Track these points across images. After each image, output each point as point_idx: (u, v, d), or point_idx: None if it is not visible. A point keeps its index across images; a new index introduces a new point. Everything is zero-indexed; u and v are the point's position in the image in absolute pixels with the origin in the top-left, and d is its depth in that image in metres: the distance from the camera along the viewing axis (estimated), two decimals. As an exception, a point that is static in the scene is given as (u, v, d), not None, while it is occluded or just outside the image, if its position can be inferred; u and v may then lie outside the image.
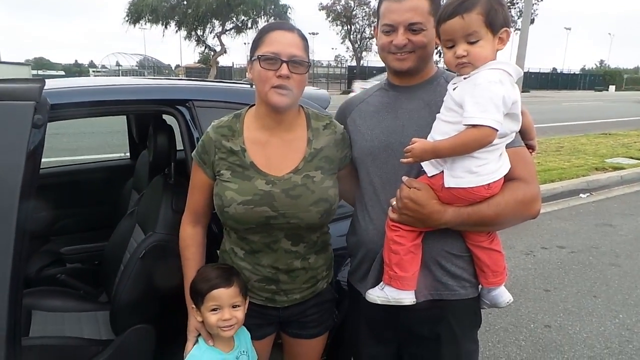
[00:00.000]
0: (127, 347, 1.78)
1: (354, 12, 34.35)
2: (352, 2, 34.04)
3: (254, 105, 1.49)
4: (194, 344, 1.47)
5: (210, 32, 30.69)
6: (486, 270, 1.36)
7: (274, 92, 1.34)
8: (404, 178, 1.32)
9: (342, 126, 1.55)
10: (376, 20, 1.47)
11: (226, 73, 43.21)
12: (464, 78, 1.24)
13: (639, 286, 3.71)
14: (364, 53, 36.94)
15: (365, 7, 33.57)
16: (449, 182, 1.24)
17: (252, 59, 1.39)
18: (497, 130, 1.16)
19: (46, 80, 1.49)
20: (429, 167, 1.29)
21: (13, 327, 1.26)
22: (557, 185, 6.34)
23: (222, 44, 30.72)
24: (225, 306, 1.38)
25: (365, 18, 33.96)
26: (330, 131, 1.51)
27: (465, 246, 1.37)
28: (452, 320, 1.41)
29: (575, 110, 20.17)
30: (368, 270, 1.47)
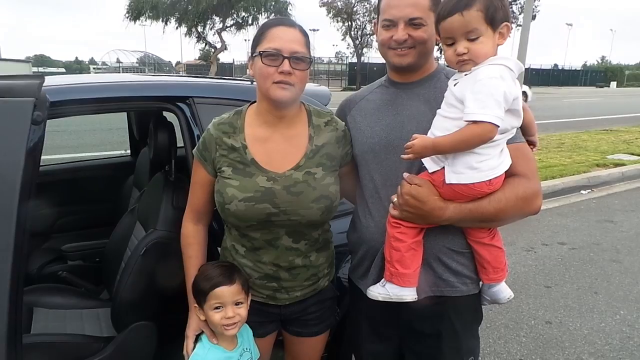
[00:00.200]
0: (129, 344, 1.78)
1: (354, 9, 34.22)
2: (353, -1, 33.97)
3: (255, 102, 1.48)
4: (195, 343, 1.47)
5: (211, 29, 30.69)
6: (487, 266, 1.36)
7: (276, 87, 1.34)
8: (405, 174, 1.32)
9: (344, 123, 1.54)
10: (376, 16, 1.46)
11: (227, 70, 43.19)
12: (465, 74, 1.23)
13: (639, 282, 3.71)
14: (364, 50, 36.84)
15: (366, 3, 33.45)
16: (450, 178, 1.24)
17: (254, 55, 1.38)
18: (497, 127, 1.16)
19: (46, 77, 1.49)
20: (430, 164, 1.29)
21: (14, 325, 1.26)
22: (558, 182, 6.33)
23: (222, 41, 30.68)
24: (228, 304, 1.38)
25: (366, 14, 33.82)
26: (331, 128, 1.50)
27: (466, 242, 1.37)
28: (453, 316, 1.41)
29: (577, 107, 20.13)
30: (369, 268, 1.47)
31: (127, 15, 29.31)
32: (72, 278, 2.48)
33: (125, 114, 3.18)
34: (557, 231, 4.83)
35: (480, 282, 1.42)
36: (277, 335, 1.64)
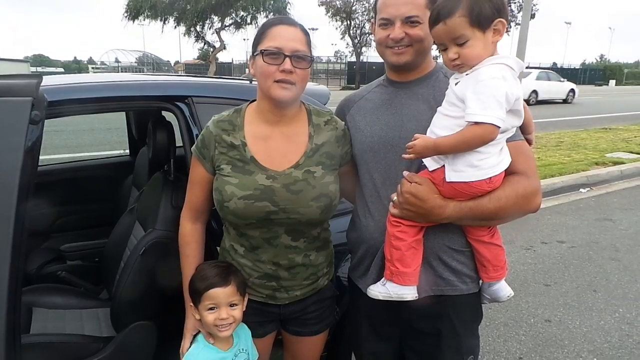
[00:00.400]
0: (128, 343, 1.78)
1: (353, 8, 34.20)
2: (352, -3, 33.94)
3: (255, 100, 1.48)
4: (192, 342, 1.46)
5: (210, 28, 30.60)
6: (487, 264, 1.36)
7: (276, 86, 1.34)
8: (405, 173, 1.32)
9: (343, 123, 1.54)
10: (374, 15, 1.46)
11: (225, 69, 43.14)
12: (466, 73, 1.23)
13: (638, 280, 3.71)
14: (363, 49, 36.78)
15: (364, 2, 33.43)
16: (451, 176, 1.24)
17: (255, 53, 1.38)
18: (499, 128, 1.16)
19: (44, 76, 1.49)
20: (430, 162, 1.29)
21: (13, 325, 1.26)
22: (557, 180, 6.33)
23: (221, 40, 30.64)
24: (223, 305, 1.38)
25: (365, 13, 33.77)
26: (331, 127, 1.50)
27: (466, 241, 1.37)
28: (453, 315, 1.41)
29: (576, 105, 20.14)
30: (369, 267, 1.47)
31: (125, 14, 29.25)
32: (71, 278, 2.48)
33: (124, 113, 3.17)
34: (556, 229, 4.84)
35: (480, 281, 1.42)
36: (276, 335, 1.63)
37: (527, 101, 17.14)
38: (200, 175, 1.47)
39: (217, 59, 33.54)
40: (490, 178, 1.23)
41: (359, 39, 36.03)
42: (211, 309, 1.38)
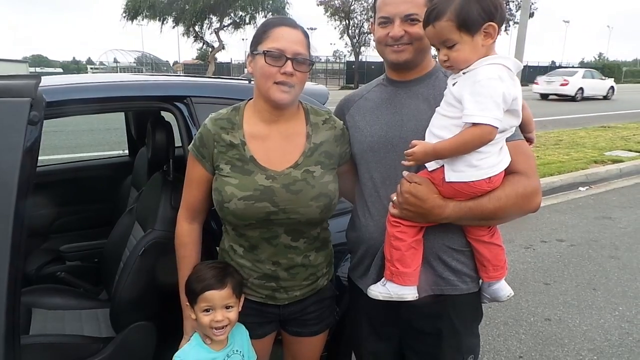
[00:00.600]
0: (128, 344, 1.78)
1: (352, 7, 34.15)
2: (350, -3, 33.90)
3: (252, 98, 1.48)
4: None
5: (208, 28, 30.58)
6: (487, 264, 1.36)
7: (276, 89, 1.34)
8: (405, 173, 1.32)
9: (342, 122, 1.54)
10: (373, 15, 1.46)
11: (224, 69, 43.09)
12: (463, 73, 1.23)
13: (638, 278, 3.72)
14: (362, 48, 36.76)
15: (363, 2, 33.38)
16: (450, 176, 1.24)
17: (255, 52, 1.37)
18: (497, 128, 1.16)
19: (43, 77, 1.48)
20: (430, 162, 1.29)
21: (12, 325, 1.25)
22: (556, 179, 6.33)
23: (220, 40, 30.61)
24: (218, 308, 1.38)
25: (364, 13, 33.75)
26: (329, 126, 1.50)
27: (465, 241, 1.37)
28: (453, 315, 1.41)
29: (574, 104, 20.16)
30: (369, 267, 1.46)
31: (124, 14, 29.22)
32: (70, 279, 2.47)
33: (122, 114, 3.17)
34: (556, 228, 4.84)
35: (480, 280, 1.42)
36: (276, 335, 1.63)
37: (573, 97, 16.92)
38: (198, 175, 1.46)
39: (215, 59, 33.51)
40: (489, 178, 1.23)
41: (357, 38, 36.00)
42: (206, 310, 1.38)
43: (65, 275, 2.49)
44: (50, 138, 7.96)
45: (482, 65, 1.19)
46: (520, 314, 3.18)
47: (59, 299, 2.13)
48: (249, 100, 1.49)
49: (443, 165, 1.26)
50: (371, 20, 1.50)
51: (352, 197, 1.58)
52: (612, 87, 23.43)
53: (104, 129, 9.02)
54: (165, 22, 29.54)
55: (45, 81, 1.60)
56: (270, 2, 29.47)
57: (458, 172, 1.23)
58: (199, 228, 1.54)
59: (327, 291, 1.59)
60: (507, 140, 1.27)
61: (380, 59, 1.48)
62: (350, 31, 35.50)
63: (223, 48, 31.37)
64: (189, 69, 49.72)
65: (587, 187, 6.40)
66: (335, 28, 36.84)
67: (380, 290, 1.36)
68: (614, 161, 7.48)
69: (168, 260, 1.60)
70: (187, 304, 1.44)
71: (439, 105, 1.30)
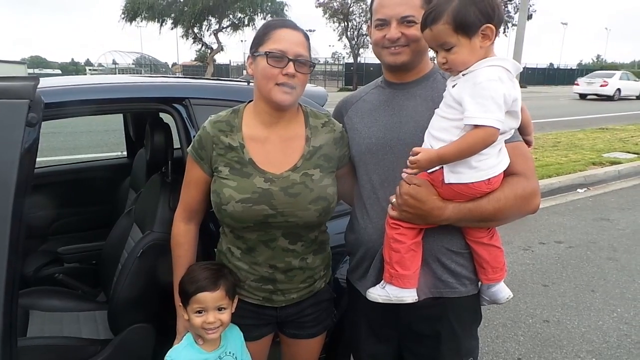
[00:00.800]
0: (126, 346, 1.77)
1: (350, 9, 34.19)
2: (349, -1, 33.96)
3: (252, 101, 1.48)
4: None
5: (207, 30, 30.62)
6: (486, 266, 1.36)
7: (278, 90, 1.34)
8: (404, 174, 1.31)
9: (341, 125, 1.54)
10: (370, 17, 1.46)
11: (223, 71, 43.12)
12: (463, 75, 1.23)
13: (636, 280, 3.72)
14: (361, 50, 36.79)
15: (362, 4, 33.44)
16: (449, 178, 1.24)
17: (256, 54, 1.37)
18: (499, 130, 1.16)
19: (41, 78, 1.48)
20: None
21: (9, 327, 1.25)
22: (555, 181, 6.34)
23: (218, 42, 30.62)
24: (210, 309, 1.37)
25: (362, 15, 33.80)
26: (328, 129, 1.50)
27: (464, 243, 1.36)
28: (452, 317, 1.40)
29: (572, 106, 20.20)
30: (368, 269, 1.46)
31: (123, 16, 29.22)
32: (68, 280, 2.47)
33: (121, 115, 3.17)
34: (554, 230, 4.85)
35: (479, 283, 1.42)
36: (274, 337, 1.63)
37: (611, 97, 19.09)
38: (197, 177, 1.46)
39: (214, 60, 33.53)
40: (489, 179, 1.23)
41: (356, 40, 36.05)
42: (199, 312, 1.38)
43: (63, 277, 2.48)
44: (49, 139, 7.95)
45: (481, 67, 1.19)
46: (519, 316, 3.18)
47: (57, 301, 2.12)
48: (248, 102, 1.49)
49: (442, 167, 1.25)
50: (368, 22, 1.50)
51: (351, 199, 1.58)
52: None
53: (102, 131, 9.00)
54: (164, 23, 29.57)
55: (44, 82, 1.59)
56: (269, 3, 29.50)
57: (457, 174, 1.23)
58: (196, 229, 1.54)
59: (324, 294, 1.59)
60: (506, 142, 1.27)
61: (379, 61, 1.48)
62: (349, 33, 35.55)
63: (222, 50, 31.39)
64: (188, 70, 49.75)
65: (586, 188, 6.41)
66: (334, 30, 36.84)
67: (379, 293, 1.36)
68: (612, 163, 7.50)
69: (166, 262, 1.59)
70: (180, 304, 1.44)
71: (437, 107, 1.30)
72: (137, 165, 2.69)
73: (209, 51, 32.24)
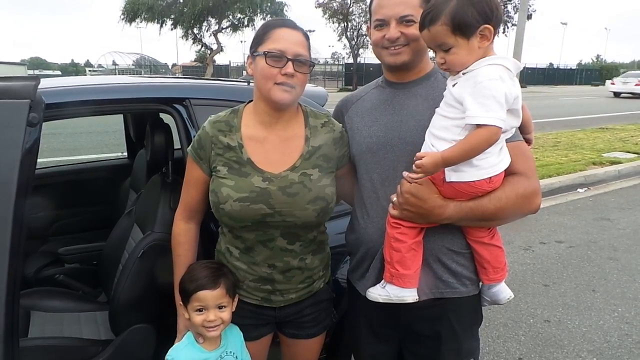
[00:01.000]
0: (127, 347, 1.77)
1: (350, 9, 34.19)
2: (349, -1, 33.97)
3: (252, 101, 1.48)
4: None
5: (207, 31, 30.58)
6: (487, 266, 1.36)
7: (277, 89, 1.34)
8: (405, 173, 1.31)
9: (341, 125, 1.54)
10: (369, 18, 1.46)
11: (223, 71, 43.13)
12: (463, 74, 1.23)
13: (637, 280, 3.72)
14: (360, 50, 36.80)
15: (361, 4, 33.44)
16: (451, 176, 1.24)
17: (256, 54, 1.37)
18: (501, 128, 1.16)
19: (42, 79, 1.48)
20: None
21: (11, 328, 1.25)
22: (555, 180, 6.34)
23: (218, 42, 30.60)
24: (211, 308, 1.38)
25: (362, 15, 33.81)
26: (328, 129, 1.50)
27: (465, 243, 1.36)
28: (453, 318, 1.40)
29: (572, 105, 20.21)
30: (368, 269, 1.46)
31: (122, 16, 29.21)
32: (69, 281, 2.47)
33: (121, 116, 3.17)
34: (555, 229, 4.84)
35: (480, 283, 1.42)
36: (274, 337, 1.63)
37: (638, 95, 19.98)
38: (196, 176, 1.46)
39: (214, 61, 33.54)
40: (490, 178, 1.23)
41: (356, 40, 36.06)
42: (199, 310, 1.38)
43: (64, 277, 2.49)
44: (49, 140, 7.96)
45: (482, 66, 1.19)
46: (520, 316, 3.17)
47: (58, 302, 2.12)
48: (248, 102, 1.49)
49: (443, 166, 1.25)
50: (367, 23, 1.50)
51: (352, 199, 1.57)
52: None
53: (102, 131, 9.01)
54: (163, 24, 29.54)
55: (44, 83, 1.59)
56: (269, 4, 29.50)
57: (459, 172, 1.23)
58: (196, 228, 1.54)
59: (323, 294, 1.59)
60: (507, 141, 1.27)
61: (379, 61, 1.48)
62: (348, 33, 35.56)
63: (221, 50, 31.36)
64: (188, 71, 49.78)
65: (586, 188, 6.41)
66: (333, 30, 36.84)
67: (379, 293, 1.36)
68: (613, 163, 7.49)
69: (167, 263, 1.59)
70: (181, 303, 1.44)
71: (438, 106, 1.30)
72: (138, 166, 2.69)
73: (209, 52, 32.23)
